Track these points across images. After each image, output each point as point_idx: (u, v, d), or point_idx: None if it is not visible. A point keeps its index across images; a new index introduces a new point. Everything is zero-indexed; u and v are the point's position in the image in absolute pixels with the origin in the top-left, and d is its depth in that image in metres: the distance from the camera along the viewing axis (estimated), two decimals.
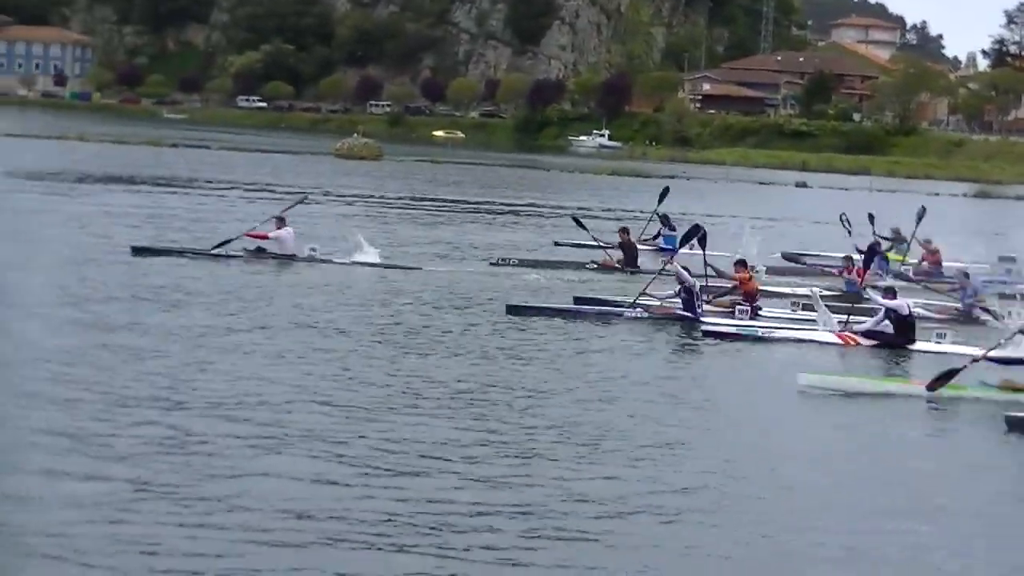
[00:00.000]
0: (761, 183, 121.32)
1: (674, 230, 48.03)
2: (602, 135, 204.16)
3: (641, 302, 33.00)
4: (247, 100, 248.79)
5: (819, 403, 24.36)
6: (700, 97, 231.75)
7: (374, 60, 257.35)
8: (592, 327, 31.29)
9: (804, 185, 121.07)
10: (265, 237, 39.53)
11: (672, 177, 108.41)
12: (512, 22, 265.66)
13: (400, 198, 73.01)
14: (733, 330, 31.49)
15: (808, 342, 31.32)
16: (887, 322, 31.89)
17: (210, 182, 76.90)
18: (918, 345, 31.27)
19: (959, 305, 36.74)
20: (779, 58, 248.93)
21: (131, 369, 22.74)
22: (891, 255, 46.65)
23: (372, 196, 72.63)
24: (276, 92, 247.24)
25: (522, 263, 41.77)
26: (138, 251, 38.71)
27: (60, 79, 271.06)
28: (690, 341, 30.76)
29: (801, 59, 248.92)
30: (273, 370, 23.58)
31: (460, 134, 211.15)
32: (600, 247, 43.76)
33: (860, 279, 37.28)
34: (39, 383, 21.46)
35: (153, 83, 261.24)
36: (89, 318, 27.70)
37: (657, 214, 51.24)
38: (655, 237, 50.14)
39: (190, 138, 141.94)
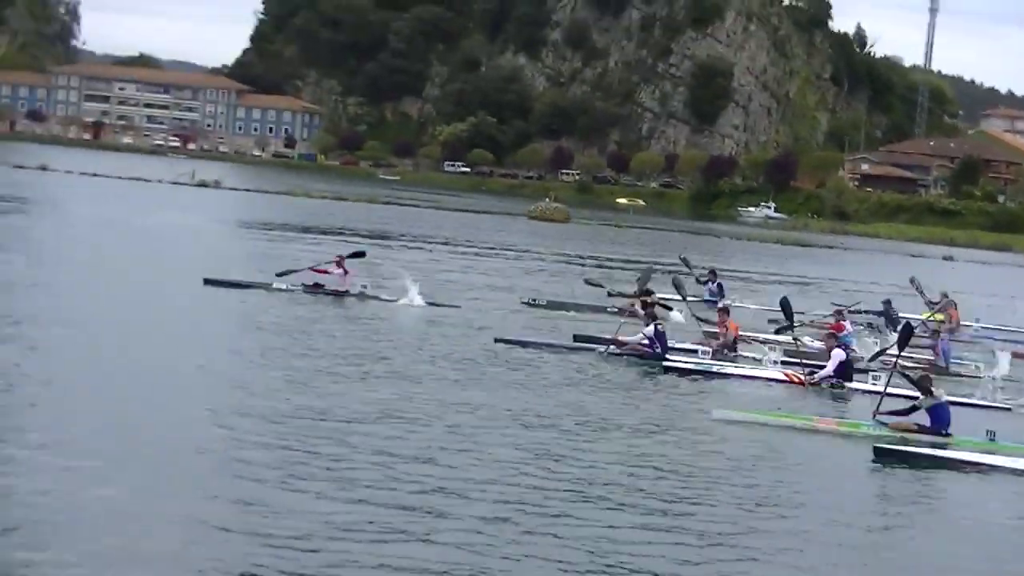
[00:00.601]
0: (911, 255, 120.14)
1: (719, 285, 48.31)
2: (769, 207, 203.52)
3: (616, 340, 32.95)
4: (453, 165, 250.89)
5: (730, 432, 24.02)
6: (859, 176, 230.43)
7: (566, 133, 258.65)
8: (566, 360, 31.16)
9: (950, 259, 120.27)
10: (327, 272, 40.01)
11: (831, 247, 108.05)
12: (691, 103, 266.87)
13: (577, 255, 73.39)
14: (691, 367, 31.53)
15: (756, 379, 31.19)
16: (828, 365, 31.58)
17: (416, 237, 77.87)
18: (853, 384, 30.97)
19: (937, 360, 36.01)
20: (932, 143, 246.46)
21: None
22: (939, 316, 46.05)
23: (550, 252, 73.00)
24: (479, 159, 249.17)
25: (550, 304, 41.32)
26: (209, 282, 39.00)
27: (290, 142, 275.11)
28: (646, 375, 30.57)
29: (952, 144, 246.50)
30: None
31: (641, 202, 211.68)
32: (621, 295, 42.96)
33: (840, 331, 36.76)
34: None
35: (371, 148, 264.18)
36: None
37: (703, 270, 51.14)
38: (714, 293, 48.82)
39: (401, 197, 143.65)
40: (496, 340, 32.61)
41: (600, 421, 23.64)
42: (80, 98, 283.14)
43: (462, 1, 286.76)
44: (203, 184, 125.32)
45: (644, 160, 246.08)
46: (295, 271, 40.02)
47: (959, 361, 36.49)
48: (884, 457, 22.69)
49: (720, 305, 37.08)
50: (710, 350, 33.42)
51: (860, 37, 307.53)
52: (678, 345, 33.80)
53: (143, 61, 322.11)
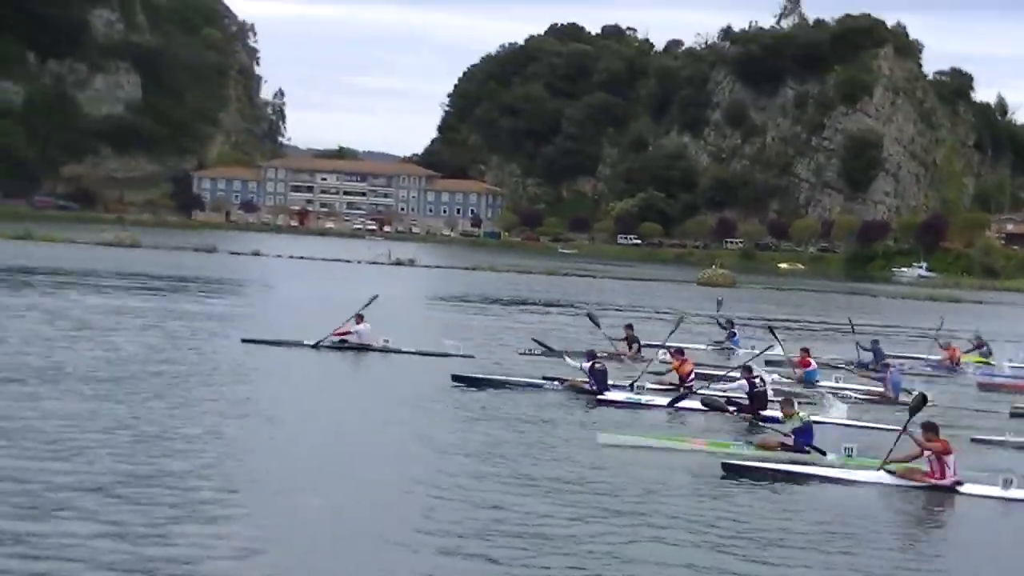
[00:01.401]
0: None
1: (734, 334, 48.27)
2: (921, 267, 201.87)
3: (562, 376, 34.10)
4: (625, 238, 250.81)
5: (609, 454, 24.41)
6: (1005, 235, 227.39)
7: (729, 204, 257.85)
8: (514, 395, 31.97)
9: None
10: (348, 332, 40.14)
11: (980, 303, 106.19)
12: (844, 173, 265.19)
13: (747, 316, 72.73)
14: (621, 399, 31.87)
15: (680, 409, 31.01)
16: (743, 393, 31.41)
17: (591, 303, 77.85)
18: (767, 413, 30.30)
19: (885, 390, 36.31)
20: None
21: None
22: (976, 357, 47.44)
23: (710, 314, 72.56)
24: (649, 231, 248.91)
25: (546, 352, 40.23)
26: (247, 341, 39.63)
27: (476, 221, 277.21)
28: (577, 407, 31.07)
29: None
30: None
31: (801, 265, 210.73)
32: (610, 339, 42.53)
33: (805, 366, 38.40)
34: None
35: (550, 224, 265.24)
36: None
37: (720, 320, 51.12)
38: (728, 339, 48.95)
39: (579, 269, 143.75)
40: (453, 378, 33.87)
41: (489, 447, 24.43)
42: (287, 189, 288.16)
43: (629, 87, 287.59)
44: (399, 263, 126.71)
45: (802, 227, 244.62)
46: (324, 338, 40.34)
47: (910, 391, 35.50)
48: (731, 472, 23.31)
49: (675, 348, 36.78)
50: (643, 386, 33.48)
51: (1002, 106, 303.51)
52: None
53: (342, 153, 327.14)
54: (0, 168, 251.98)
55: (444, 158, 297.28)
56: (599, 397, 32.20)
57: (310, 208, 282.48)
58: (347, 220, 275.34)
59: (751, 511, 20.39)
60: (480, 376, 34.56)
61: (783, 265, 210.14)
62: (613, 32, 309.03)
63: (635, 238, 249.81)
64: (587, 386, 33.13)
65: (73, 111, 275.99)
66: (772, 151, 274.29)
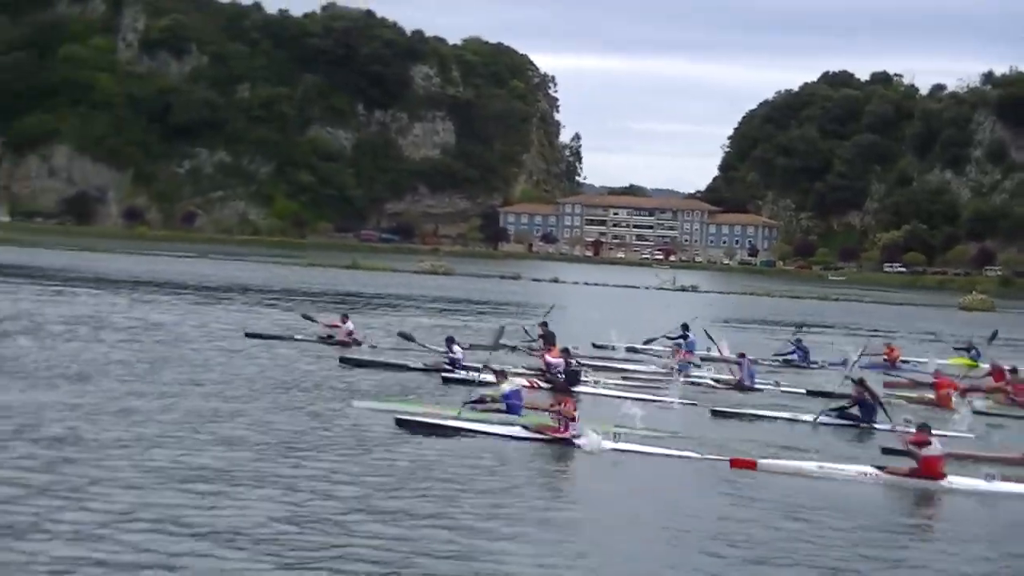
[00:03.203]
0: None
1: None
2: None
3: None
4: (890, 266, 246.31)
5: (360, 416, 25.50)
6: None
7: (989, 235, 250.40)
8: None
9: None
10: (334, 326, 41.38)
11: None
12: None
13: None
14: (461, 376, 32.32)
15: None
16: (559, 371, 32.20)
17: (853, 325, 77.67)
18: (578, 389, 30.95)
19: (739, 378, 36.26)
20: None
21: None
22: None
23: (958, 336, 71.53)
24: (913, 260, 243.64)
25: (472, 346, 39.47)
26: (250, 335, 41.31)
27: (753, 251, 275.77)
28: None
29: None
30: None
31: None
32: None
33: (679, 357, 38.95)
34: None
35: (820, 254, 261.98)
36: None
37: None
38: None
39: (847, 294, 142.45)
40: (341, 360, 35.53)
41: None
42: (582, 222, 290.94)
43: (896, 129, 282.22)
44: (683, 288, 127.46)
45: None
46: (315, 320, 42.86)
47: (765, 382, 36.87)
48: (403, 426, 24.38)
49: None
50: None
51: None
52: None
53: (632, 190, 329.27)
54: (333, 205, 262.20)
55: (725, 194, 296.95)
56: (445, 375, 33.25)
57: (603, 240, 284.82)
58: (636, 250, 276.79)
59: (397, 456, 21.61)
60: (366, 359, 36.25)
61: None
62: (881, 78, 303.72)
63: (900, 266, 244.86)
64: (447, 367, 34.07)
65: (395, 155, 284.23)
66: None
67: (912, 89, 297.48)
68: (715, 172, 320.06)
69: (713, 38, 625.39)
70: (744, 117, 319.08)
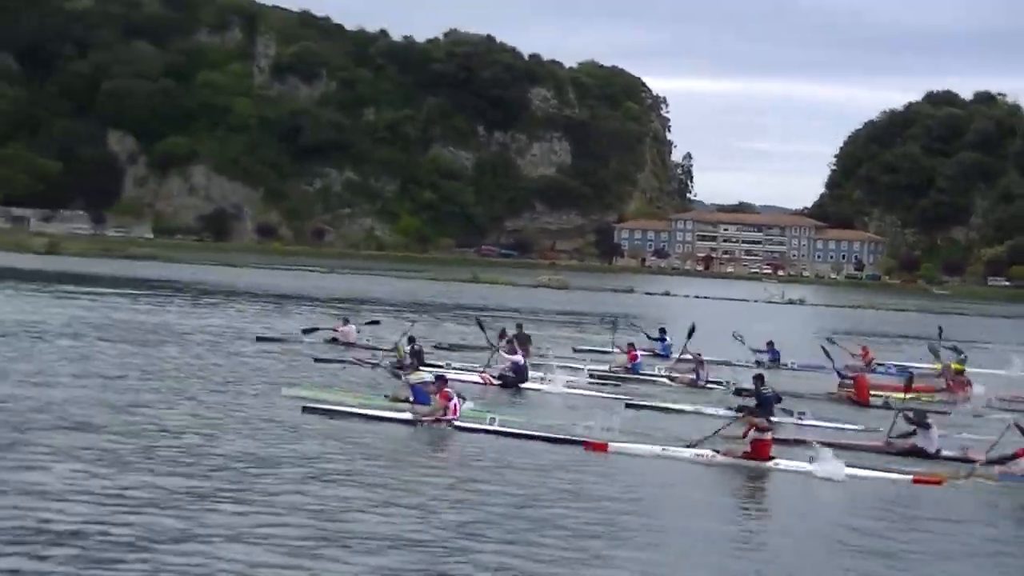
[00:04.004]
0: None
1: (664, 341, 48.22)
2: None
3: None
4: (994, 280, 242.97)
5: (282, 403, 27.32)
6: None
7: None
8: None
9: None
10: (336, 330, 43.97)
11: None
12: None
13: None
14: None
15: (459, 381, 31.91)
16: (511, 369, 34.43)
17: (947, 338, 77.02)
18: (527, 385, 34.00)
19: (694, 377, 37.93)
20: None
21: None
22: (955, 364, 45.02)
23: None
24: (1016, 274, 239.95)
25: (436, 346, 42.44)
26: (261, 339, 43.43)
27: (859, 266, 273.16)
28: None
29: None
30: None
31: None
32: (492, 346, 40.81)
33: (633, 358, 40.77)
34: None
35: (925, 268, 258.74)
36: None
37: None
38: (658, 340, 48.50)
39: (950, 307, 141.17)
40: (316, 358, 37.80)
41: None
42: (694, 238, 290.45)
43: (999, 146, 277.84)
44: (791, 302, 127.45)
45: None
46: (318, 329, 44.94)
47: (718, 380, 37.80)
48: (308, 412, 25.92)
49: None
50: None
51: None
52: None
53: (741, 207, 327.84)
54: (454, 222, 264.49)
55: (831, 210, 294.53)
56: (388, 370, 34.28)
57: (713, 255, 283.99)
58: (745, 265, 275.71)
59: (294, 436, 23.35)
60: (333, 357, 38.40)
61: None
62: (984, 98, 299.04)
63: (1004, 280, 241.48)
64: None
65: (514, 174, 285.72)
66: None
67: (1015, 108, 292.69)
68: (821, 189, 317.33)
69: (819, 59, 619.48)
70: (850, 136, 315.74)
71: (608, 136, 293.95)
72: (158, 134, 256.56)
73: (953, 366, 43.12)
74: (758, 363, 44.68)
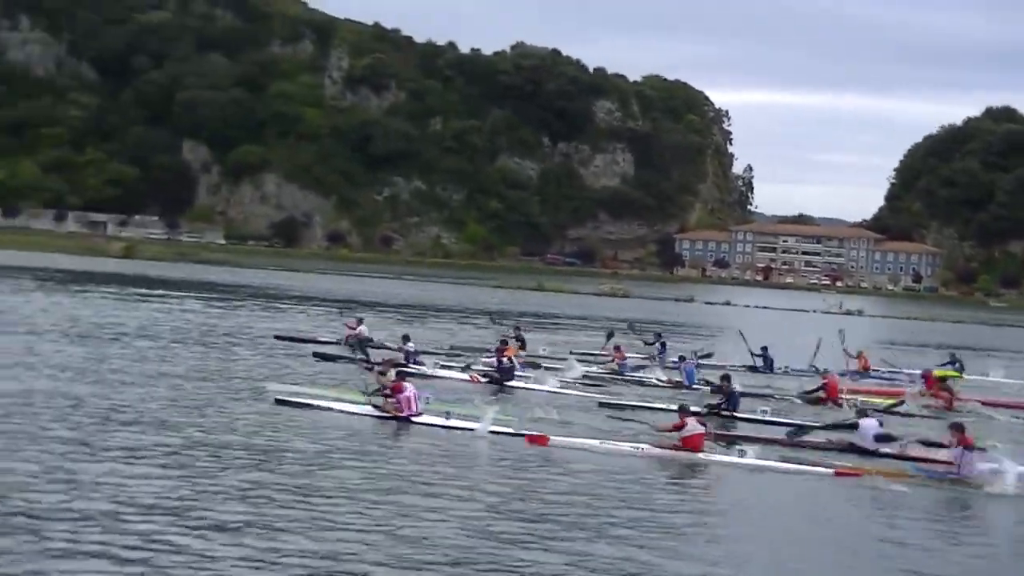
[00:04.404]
0: None
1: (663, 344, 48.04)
2: None
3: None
4: None
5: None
6: None
7: None
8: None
9: None
10: (352, 328, 44.63)
11: None
12: None
13: None
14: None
15: (448, 379, 34.70)
16: (497, 369, 35.46)
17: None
18: (515, 384, 34.91)
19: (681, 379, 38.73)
20: None
21: None
22: (951, 372, 47.12)
23: None
24: None
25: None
26: (279, 337, 44.60)
27: (917, 278, 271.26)
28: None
29: None
30: None
31: None
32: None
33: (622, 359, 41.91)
34: None
35: (982, 281, 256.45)
36: None
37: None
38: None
39: (1007, 320, 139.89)
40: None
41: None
42: (753, 249, 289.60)
43: None
44: (848, 312, 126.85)
45: None
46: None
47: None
48: (281, 404, 27.08)
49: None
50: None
51: None
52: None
53: (801, 219, 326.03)
54: (519, 231, 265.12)
55: (890, 223, 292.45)
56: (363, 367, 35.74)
57: (773, 265, 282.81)
58: (804, 276, 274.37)
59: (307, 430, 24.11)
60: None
61: None
62: None
63: None
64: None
65: (578, 184, 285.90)
66: None
67: None
68: (880, 201, 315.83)
69: (878, 74, 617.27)
70: (909, 150, 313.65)
71: (670, 148, 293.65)
72: (231, 143, 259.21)
73: (936, 373, 43.44)
74: (752, 368, 45.64)
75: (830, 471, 23.66)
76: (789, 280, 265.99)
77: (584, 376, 38.53)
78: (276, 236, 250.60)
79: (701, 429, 24.59)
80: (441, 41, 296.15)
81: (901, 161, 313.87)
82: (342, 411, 26.92)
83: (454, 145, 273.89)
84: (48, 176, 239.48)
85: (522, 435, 25.12)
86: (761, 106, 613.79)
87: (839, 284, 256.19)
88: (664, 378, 39.52)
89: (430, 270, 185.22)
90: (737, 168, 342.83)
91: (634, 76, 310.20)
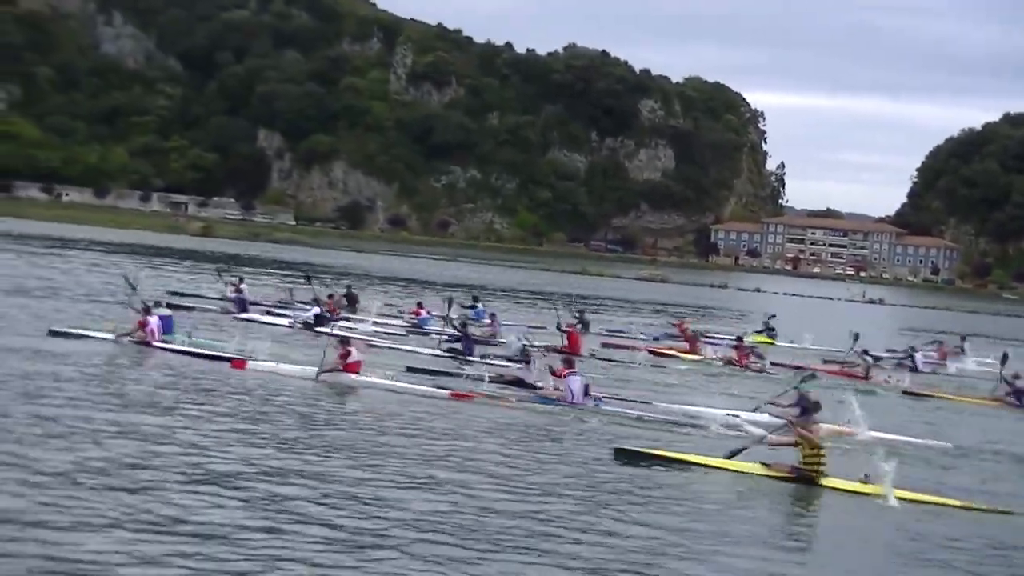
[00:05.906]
0: None
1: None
2: None
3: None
4: None
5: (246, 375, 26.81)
6: None
7: None
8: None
9: None
10: (329, 299, 43.05)
11: None
12: None
13: None
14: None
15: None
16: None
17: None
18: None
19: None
20: None
21: None
22: (764, 338, 48.64)
23: None
24: None
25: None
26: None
27: (935, 270, 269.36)
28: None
29: None
30: None
31: None
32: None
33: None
34: None
35: (996, 275, 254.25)
36: None
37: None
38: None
39: (1015, 311, 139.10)
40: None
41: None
42: (784, 240, 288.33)
43: None
44: (871, 301, 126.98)
45: None
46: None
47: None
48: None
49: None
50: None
51: None
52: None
53: (829, 213, 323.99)
54: (567, 219, 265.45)
55: (911, 219, 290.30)
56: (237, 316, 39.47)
57: (801, 256, 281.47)
58: (830, 266, 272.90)
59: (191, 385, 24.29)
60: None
61: None
62: None
63: None
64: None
65: (622, 176, 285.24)
66: None
67: None
68: (903, 199, 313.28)
69: (903, 80, 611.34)
70: (931, 151, 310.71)
71: (709, 145, 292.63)
72: (303, 133, 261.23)
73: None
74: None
75: (446, 392, 25.53)
76: (816, 270, 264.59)
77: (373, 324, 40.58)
78: (341, 219, 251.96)
79: (361, 358, 26.51)
80: (499, 42, 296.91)
81: (923, 161, 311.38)
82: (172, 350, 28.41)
83: (509, 138, 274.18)
84: (136, 160, 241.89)
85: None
86: (794, 108, 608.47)
87: (863, 275, 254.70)
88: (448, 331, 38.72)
89: (482, 253, 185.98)
90: (770, 165, 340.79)
91: (676, 78, 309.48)
